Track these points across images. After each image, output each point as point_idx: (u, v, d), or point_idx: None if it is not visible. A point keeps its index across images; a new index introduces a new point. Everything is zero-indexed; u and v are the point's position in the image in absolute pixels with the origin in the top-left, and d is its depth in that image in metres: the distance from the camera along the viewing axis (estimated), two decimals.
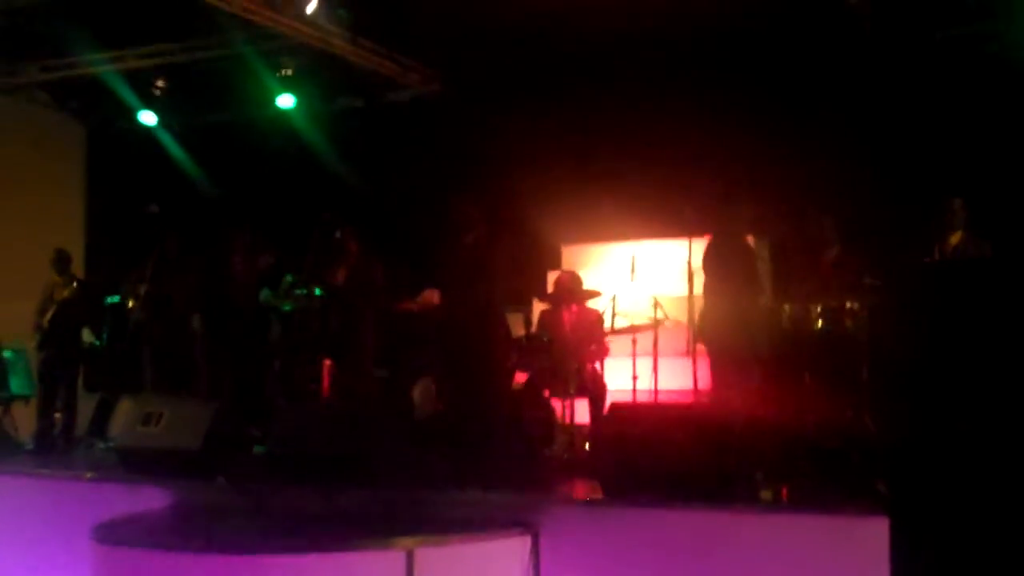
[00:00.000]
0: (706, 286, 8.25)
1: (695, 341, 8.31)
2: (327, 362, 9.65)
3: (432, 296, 9.15)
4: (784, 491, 6.31)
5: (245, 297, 9.54)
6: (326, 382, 9.54)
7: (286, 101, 12.40)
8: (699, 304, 8.36)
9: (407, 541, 5.67)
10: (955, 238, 8.21)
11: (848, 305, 7.64)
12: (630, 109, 10.65)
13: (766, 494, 6.13)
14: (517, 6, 9.79)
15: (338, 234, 9.45)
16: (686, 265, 8.47)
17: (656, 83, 10.58)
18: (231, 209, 12.13)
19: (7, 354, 11.13)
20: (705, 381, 8.22)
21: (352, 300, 9.26)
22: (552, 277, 9.74)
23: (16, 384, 11.04)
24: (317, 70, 12.09)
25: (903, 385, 4.57)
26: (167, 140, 13.36)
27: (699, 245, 8.56)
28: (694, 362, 8.29)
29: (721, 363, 8.03)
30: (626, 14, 9.77)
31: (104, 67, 12.28)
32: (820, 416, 7.33)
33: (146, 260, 9.90)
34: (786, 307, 7.99)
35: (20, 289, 11.14)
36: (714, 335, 8.04)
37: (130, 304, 10.05)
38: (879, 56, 9.95)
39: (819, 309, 7.76)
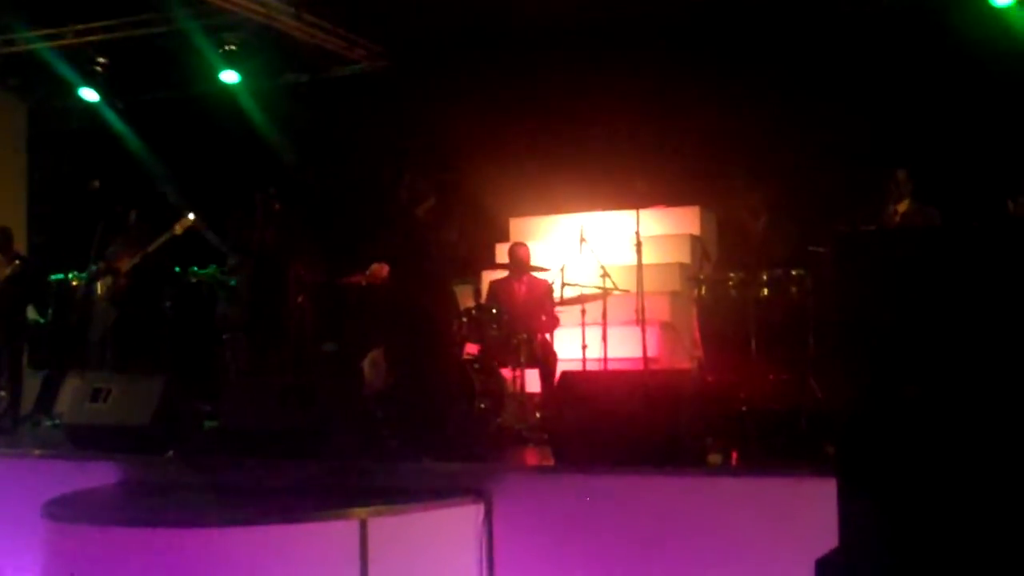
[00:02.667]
0: None
1: (644, 310, 8.35)
2: None
3: (381, 269, 9.12)
4: (733, 455, 6.39)
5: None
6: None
7: (230, 77, 12.28)
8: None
9: (360, 511, 5.68)
10: (902, 207, 8.29)
11: (793, 272, 7.69)
12: (577, 82, 10.66)
13: (715, 459, 6.20)
14: None
15: (257, 198, 9.34)
16: (634, 236, 8.51)
17: (602, 56, 10.59)
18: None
19: None
20: (654, 349, 8.26)
21: (279, 259, 9.20)
22: (501, 249, 9.72)
23: None
24: (261, 45, 11.94)
25: (850, 350, 4.62)
26: (110, 116, 13.21)
27: (647, 216, 8.57)
28: (643, 330, 8.35)
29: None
30: None
31: (44, 43, 12.11)
32: (767, 382, 7.41)
33: (93, 236, 9.76)
34: (732, 275, 8.02)
35: None
36: None
37: (75, 282, 9.92)
38: (822, 21, 10.00)
39: (764, 277, 7.79)
